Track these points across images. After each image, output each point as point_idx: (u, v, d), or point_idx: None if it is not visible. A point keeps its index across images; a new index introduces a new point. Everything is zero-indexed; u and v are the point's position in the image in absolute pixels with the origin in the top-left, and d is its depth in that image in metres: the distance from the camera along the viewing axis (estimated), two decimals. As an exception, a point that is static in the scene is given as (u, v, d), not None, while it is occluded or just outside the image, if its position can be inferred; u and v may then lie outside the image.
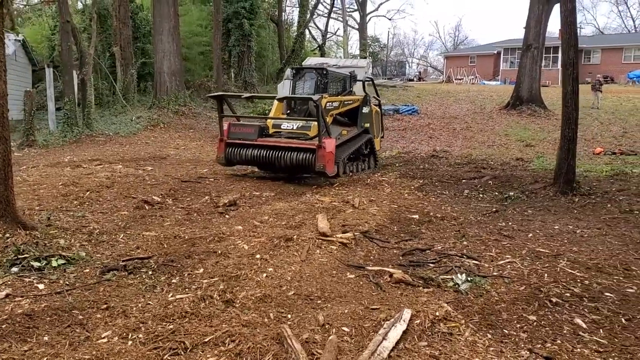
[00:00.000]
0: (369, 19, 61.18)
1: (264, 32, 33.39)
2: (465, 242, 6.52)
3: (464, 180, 10.76)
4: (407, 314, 4.15)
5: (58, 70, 20.37)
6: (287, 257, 5.76)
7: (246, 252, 5.86)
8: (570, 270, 5.43)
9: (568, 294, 4.76)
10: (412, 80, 54.82)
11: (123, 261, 5.40)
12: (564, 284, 5.00)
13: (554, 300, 4.58)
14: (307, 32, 47.58)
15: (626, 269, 5.55)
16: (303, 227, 6.99)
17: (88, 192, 8.60)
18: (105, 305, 4.31)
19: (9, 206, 5.95)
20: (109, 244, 6.10)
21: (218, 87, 23.20)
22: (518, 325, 4.14)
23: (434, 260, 5.73)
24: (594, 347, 3.81)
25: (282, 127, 10.82)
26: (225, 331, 3.77)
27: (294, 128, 10.68)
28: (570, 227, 7.43)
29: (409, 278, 5.07)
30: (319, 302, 4.58)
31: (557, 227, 7.43)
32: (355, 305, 4.46)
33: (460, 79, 51.65)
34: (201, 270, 5.21)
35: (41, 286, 4.73)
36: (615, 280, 5.19)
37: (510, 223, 7.65)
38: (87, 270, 5.17)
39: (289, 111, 11.60)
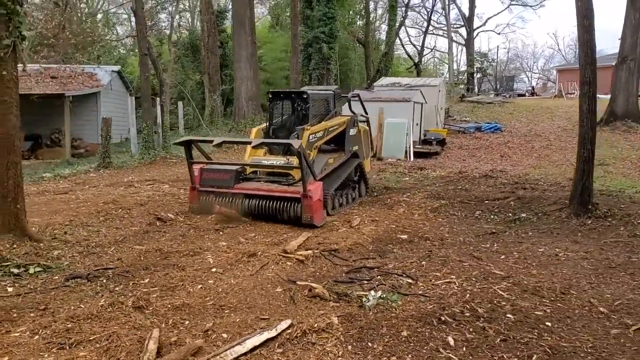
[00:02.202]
0: (476, 34, 60.19)
1: (352, 53, 34.22)
2: (424, 262, 6.64)
3: (486, 201, 10.63)
4: (284, 324, 4.53)
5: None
6: (240, 271, 6.30)
7: (207, 265, 6.46)
8: (501, 292, 5.46)
9: (468, 314, 4.84)
10: (522, 95, 52.63)
11: (93, 270, 6.20)
12: (476, 304, 5.07)
13: (442, 318, 4.71)
14: (401, 50, 47.92)
15: (563, 293, 5.48)
16: (282, 245, 7.47)
17: (120, 210, 9.64)
18: (43, 307, 5.09)
19: (18, 221, 7.01)
20: (97, 256, 6.95)
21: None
22: (386, 340, 4.35)
23: (369, 278, 5.98)
24: (436, 363, 3.97)
25: (263, 162, 9.89)
26: (112, 332, 4.37)
27: (276, 165, 9.79)
28: (557, 250, 7.27)
29: (325, 293, 5.39)
30: (227, 311, 5.05)
31: (541, 249, 7.30)
32: (253, 315, 4.89)
33: (571, 94, 49.18)
34: (147, 280, 5.87)
35: (10, 289, 5.62)
36: (536, 303, 5.16)
37: (495, 245, 7.61)
38: (57, 277, 6.02)
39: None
